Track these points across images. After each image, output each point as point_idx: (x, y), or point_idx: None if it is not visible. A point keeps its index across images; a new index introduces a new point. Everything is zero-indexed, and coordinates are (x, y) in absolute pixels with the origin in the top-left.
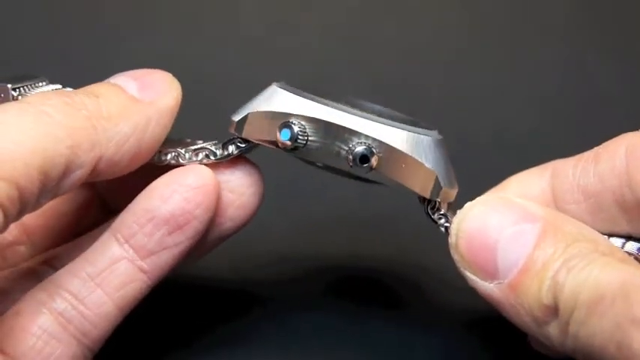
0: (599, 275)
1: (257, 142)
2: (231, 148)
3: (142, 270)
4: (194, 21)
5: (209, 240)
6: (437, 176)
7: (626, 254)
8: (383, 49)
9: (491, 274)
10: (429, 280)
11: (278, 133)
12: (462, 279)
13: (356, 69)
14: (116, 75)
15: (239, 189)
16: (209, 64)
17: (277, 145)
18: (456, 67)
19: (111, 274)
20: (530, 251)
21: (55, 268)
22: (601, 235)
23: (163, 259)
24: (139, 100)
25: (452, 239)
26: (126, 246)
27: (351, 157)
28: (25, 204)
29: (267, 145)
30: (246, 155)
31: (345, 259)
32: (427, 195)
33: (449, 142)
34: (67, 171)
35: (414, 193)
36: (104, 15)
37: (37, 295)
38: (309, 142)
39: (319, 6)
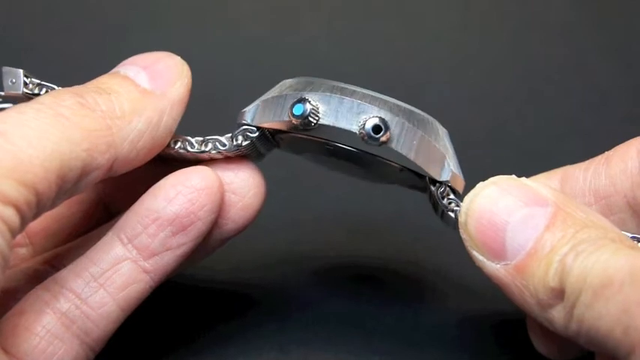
0: (609, 260)
1: (268, 127)
2: (240, 139)
3: (145, 270)
4: (194, 21)
5: (211, 242)
6: (447, 158)
7: (635, 242)
8: (383, 49)
9: (499, 255)
10: (429, 279)
11: (290, 111)
12: (462, 277)
13: (355, 69)
14: (125, 63)
15: (241, 191)
16: (209, 65)
17: (289, 129)
18: (456, 66)
19: (114, 274)
20: (540, 234)
21: (57, 268)
22: (610, 222)
23: (166, 260)
24: (151, 93)
25: (462, 218)
26: (129, 246)
27: (363, 130)
28: (41, 207)
29: (277, 129)
30: (248, 159)
31: (345, 258)
32: (438, 176)
33: None
34: (83, 173)
35: (425, 173)
36: (104, 15)
37: (41, 294)
38: (321, 120)
39: (319, 6)
